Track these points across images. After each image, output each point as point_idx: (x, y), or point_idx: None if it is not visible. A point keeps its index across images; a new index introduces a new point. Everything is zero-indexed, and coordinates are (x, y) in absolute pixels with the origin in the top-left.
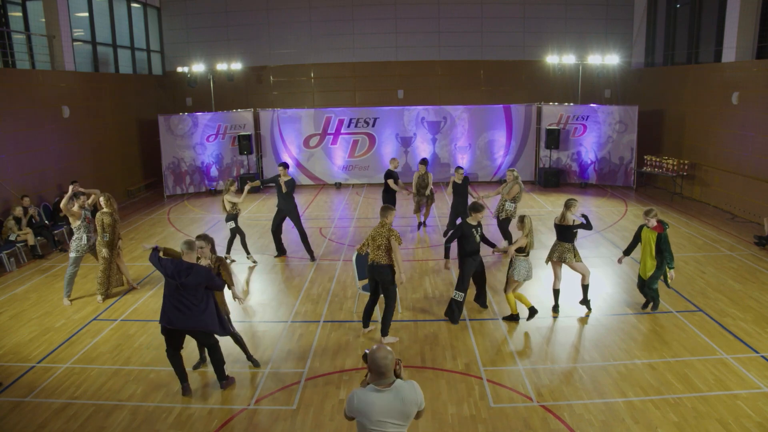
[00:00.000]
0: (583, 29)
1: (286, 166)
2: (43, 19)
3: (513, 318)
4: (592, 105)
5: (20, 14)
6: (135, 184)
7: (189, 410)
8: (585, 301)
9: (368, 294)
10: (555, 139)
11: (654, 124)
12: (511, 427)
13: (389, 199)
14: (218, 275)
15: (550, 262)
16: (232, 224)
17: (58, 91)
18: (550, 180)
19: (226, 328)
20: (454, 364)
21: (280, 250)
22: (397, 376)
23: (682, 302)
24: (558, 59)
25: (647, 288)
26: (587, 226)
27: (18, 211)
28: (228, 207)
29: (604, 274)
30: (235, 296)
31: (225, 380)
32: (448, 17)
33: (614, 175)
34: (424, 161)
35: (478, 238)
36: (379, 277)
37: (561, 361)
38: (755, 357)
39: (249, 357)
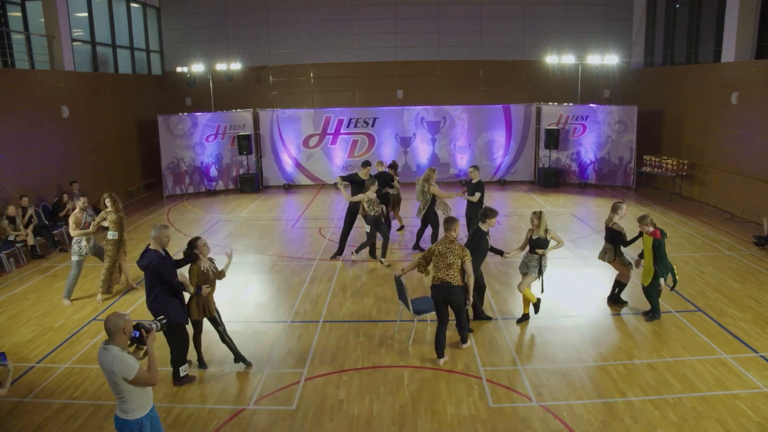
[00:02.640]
0: (583, 29)
1: (368, 164)
2: (43, 19)
3: (526, 317)
4: (591, 105)
5: (19, 14)
6: (134, 184)
7: (189, 410)
8: (612, 296)
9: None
10: (554, 139)
11: (653, 124)
12: (510, 427)
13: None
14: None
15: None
16: (368, 228)
17: (57, 91)
18: (549, 180)
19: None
20: (453, 363)
21: (341, 251)
22: (142, 342)
23: (681, 302)
24: (557, 59)
25: (647, 297)
26: (624, 239)
27: (11, 210)
28: (367, 207)
29: (604, 275)
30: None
31: (178, 381)
32: (448, 17)
33: (613, 175)
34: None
35: (489, 244)
36: (450, 299)
37: (560, 361)
38: (754, 357)
39: (238, 357)
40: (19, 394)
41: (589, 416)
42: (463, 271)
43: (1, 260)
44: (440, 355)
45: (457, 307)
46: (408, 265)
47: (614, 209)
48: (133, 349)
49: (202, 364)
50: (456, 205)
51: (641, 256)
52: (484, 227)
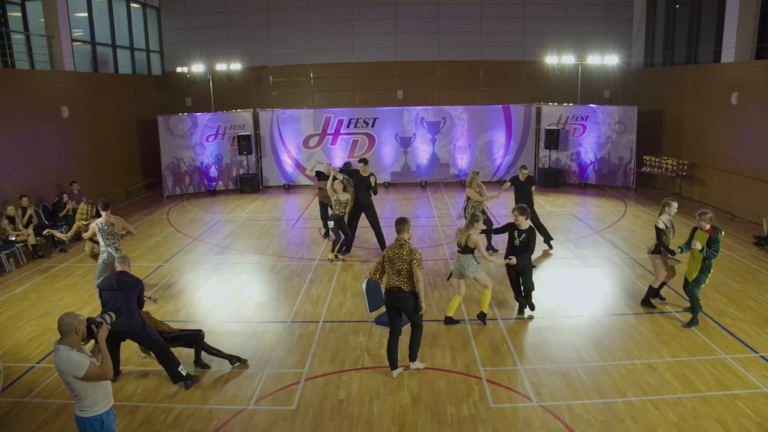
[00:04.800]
0: (583, 29)
1: (366, 161)
2: (42, 19)
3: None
4: (591, 105)
5: (19, 14)
6: (134, 184)
7: (188, 410)
8: (646, 299)
9: (382, 327)
10: (554, 139)
11: (653, 124)
12: (510, 427)
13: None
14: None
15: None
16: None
17: (57, 91)
18: (549, 180)
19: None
20: (453, 364)
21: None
22: (92, 337)
23: (681, 302)
24: (557, 59)
25: (688, 292)
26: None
27: (11, 210)
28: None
29: (604, 275)
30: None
31: (182, 381)
32: (448, 17)
33: (614, 175)
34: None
35: (517, 241)
36: (401, 305)
37: (560, 361)
38: (754, 357)
39: (231, 358)
40: (19, 394)
41: (589, 416)
42: (411, 275)
43: (1, 260)
44: (394, 366)
45: (409, 315)
46: (372, 268)
47: (664, 204)
48: (91, 346)
49: (202, 364)
50: (498, 204)
51: (681, 248)
52: (524, 225)
